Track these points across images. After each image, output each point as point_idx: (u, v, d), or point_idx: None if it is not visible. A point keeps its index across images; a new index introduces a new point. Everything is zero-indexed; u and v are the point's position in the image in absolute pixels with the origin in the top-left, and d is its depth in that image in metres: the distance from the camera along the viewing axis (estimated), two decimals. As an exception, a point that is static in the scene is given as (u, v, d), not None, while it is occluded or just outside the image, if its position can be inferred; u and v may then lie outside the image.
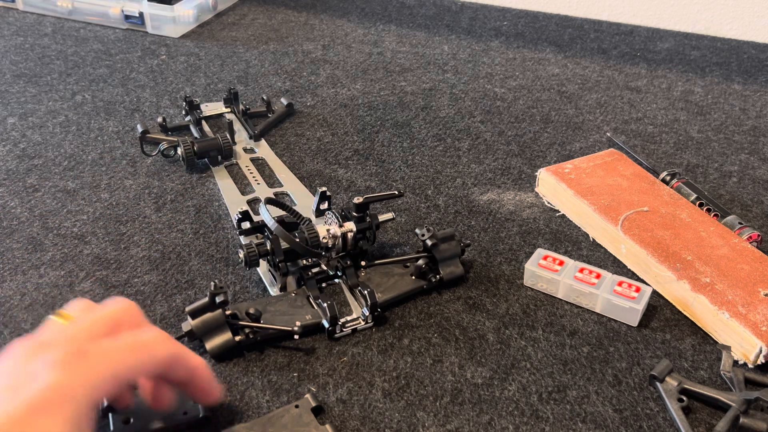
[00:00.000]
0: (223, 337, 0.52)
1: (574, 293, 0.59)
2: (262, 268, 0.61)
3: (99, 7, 1.12)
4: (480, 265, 0.64)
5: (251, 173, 0.76)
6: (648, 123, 0.89)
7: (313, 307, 0.57)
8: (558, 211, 0.71)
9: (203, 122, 0.85)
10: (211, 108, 0.89)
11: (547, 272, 0.59)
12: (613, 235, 0.64)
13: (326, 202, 0.65)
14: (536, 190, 0.74)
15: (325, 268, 0.61)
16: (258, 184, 0.74)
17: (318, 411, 0.48)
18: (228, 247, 0.65)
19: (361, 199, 0.60)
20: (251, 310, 0.53)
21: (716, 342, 0.56)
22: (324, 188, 0.65)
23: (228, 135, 0.78)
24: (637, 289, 0.57)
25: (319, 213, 0.66)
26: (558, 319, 0.58)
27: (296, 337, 0.53)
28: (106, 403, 0.46)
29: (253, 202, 0.71)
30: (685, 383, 0.51)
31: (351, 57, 1.06)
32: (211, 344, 0.52)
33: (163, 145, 0.76)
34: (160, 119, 0.82)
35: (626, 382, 0.52)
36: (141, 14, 1.10)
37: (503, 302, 0.59)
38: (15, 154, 0.78)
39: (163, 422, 0.46)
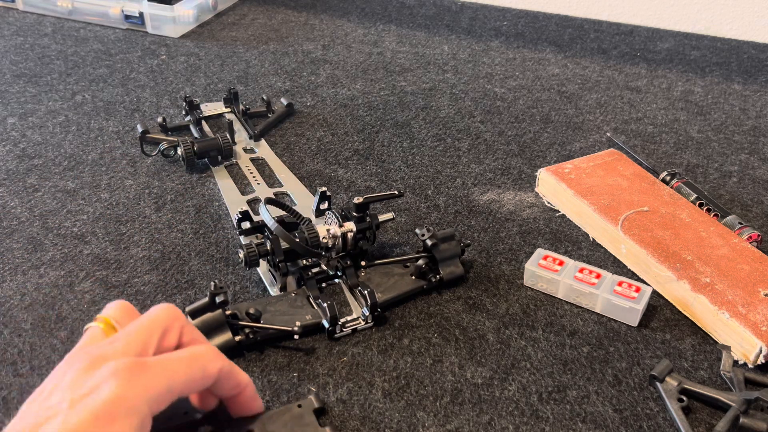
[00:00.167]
0: (223, 337, 0.52)
1: (574, 293, 0.59)
2: (262, 268, 0.61)
3: (99, 7, 1.12)
4: (480, 265, 0.64)
5: (251, 173, 0.76)
6: (648, 123, 0.88)
7: (313, 307, 0.57)
8: (558, 211, 0.71)
9: (203, 122, 0.85)
10: (211, 108, 0.89)
11: (547, 272, 0.59)
12: (613, 235, 0.64)
13: (326, 202, 0.65)
14: (536, 190, 0.74)
15: (325, 268, 0.61)
16: (258, 184, 0.74)
17: (320, 413, 0.48)
18: (228, 247, 0.65)
19: (361, 199, 0.60)
20: (251, 310, 0.53)
21: (716, 342, 0.56)
22: (324, 188, 0.65)
23: (228, 135, 0.78)
24: (637, 289, 0.57)
25: (319, 213, 0.66)
26: (558, 319, 0.58)
27: (296, 337, 0.53)
28: None
29: (253, 202, 0.71)
30: (685, 383, 0.51)
31: (351, 57, 1.06)
32: (211, 344, 0.52)
33: (163, 145, 0.77)
34: (160, 119, 0.82)
35: (626, 382, 0.52)
36: (141, 14, 1.10)
37: (503, 302, 0.59)
38: (15, 154, 0.79)
39: (162, 422, 0.46)
